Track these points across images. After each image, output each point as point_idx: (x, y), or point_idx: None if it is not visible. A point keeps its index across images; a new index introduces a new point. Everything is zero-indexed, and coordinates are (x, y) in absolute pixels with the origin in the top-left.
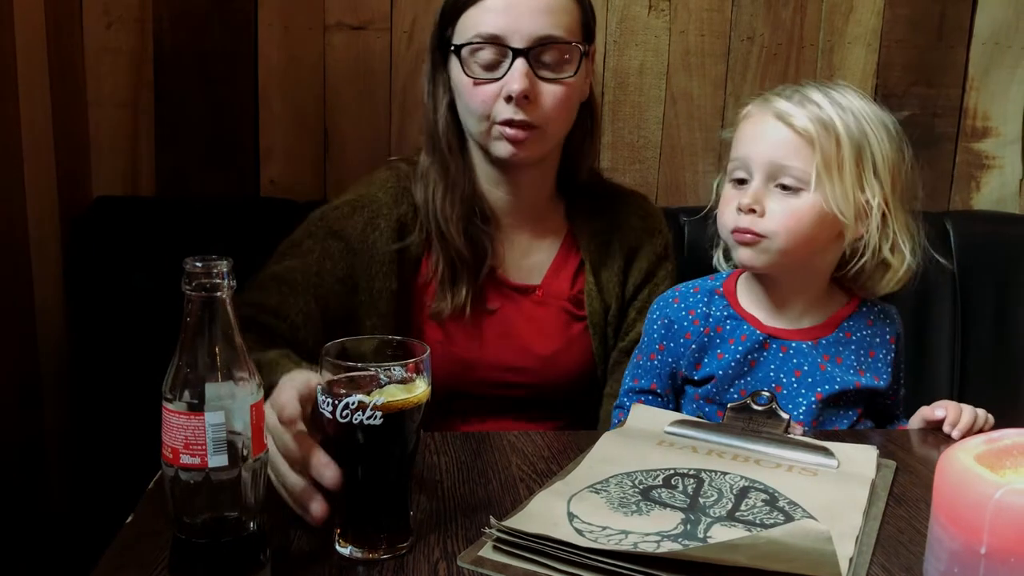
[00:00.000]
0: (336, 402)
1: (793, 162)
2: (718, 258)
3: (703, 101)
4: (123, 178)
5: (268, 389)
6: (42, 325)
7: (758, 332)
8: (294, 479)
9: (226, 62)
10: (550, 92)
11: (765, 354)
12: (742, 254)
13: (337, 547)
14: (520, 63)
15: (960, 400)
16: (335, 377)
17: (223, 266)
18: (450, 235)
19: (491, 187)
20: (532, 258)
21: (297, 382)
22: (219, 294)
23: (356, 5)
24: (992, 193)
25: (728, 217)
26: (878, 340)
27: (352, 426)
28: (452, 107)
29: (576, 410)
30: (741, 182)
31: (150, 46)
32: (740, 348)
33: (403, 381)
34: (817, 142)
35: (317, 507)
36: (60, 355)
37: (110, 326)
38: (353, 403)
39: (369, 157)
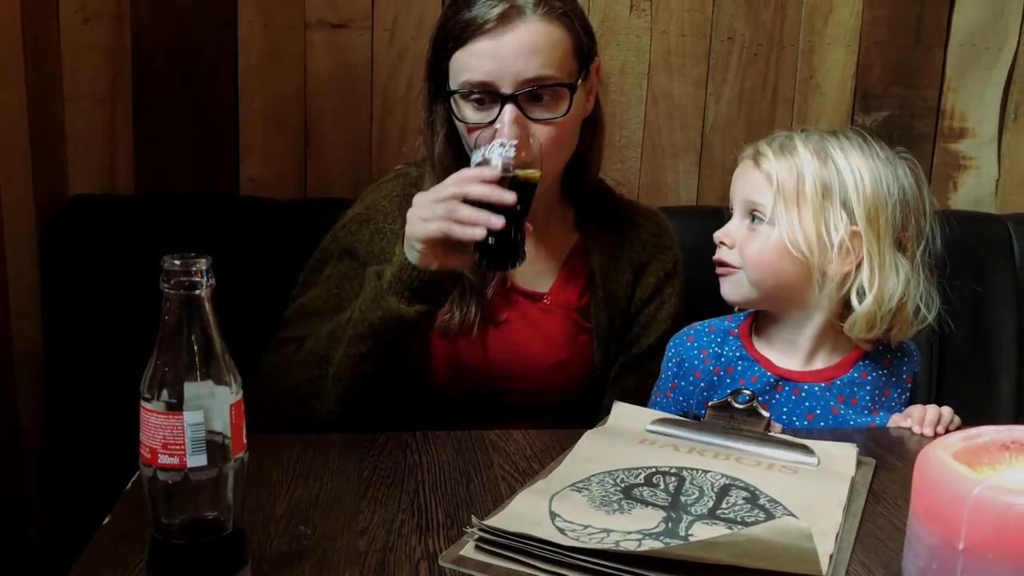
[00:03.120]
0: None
1: (759, 198)
2: None
3: (684, 101)
4: (100, 176)
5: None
6: (18, 324)
7: (769, 374)
8: (469, 210)
9: (206, 59)
10: (542, 132)
11: (777, 396)
12: (721, 286)
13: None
14: (509, 109)
15: (937, 398)
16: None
17: (202, 264)
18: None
19: None
20: (539, 265)
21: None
22: (198, 292)
23: (337, 3)
24: (969, 193)
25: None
26: (894, 379)
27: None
28: (449, 137)
29: (573, 417)
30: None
31: (128, 42)
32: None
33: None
34: (776, 179)
35: (499, 220)
36: (36, 354)
37: (87, 325)
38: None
39: (350, 155)
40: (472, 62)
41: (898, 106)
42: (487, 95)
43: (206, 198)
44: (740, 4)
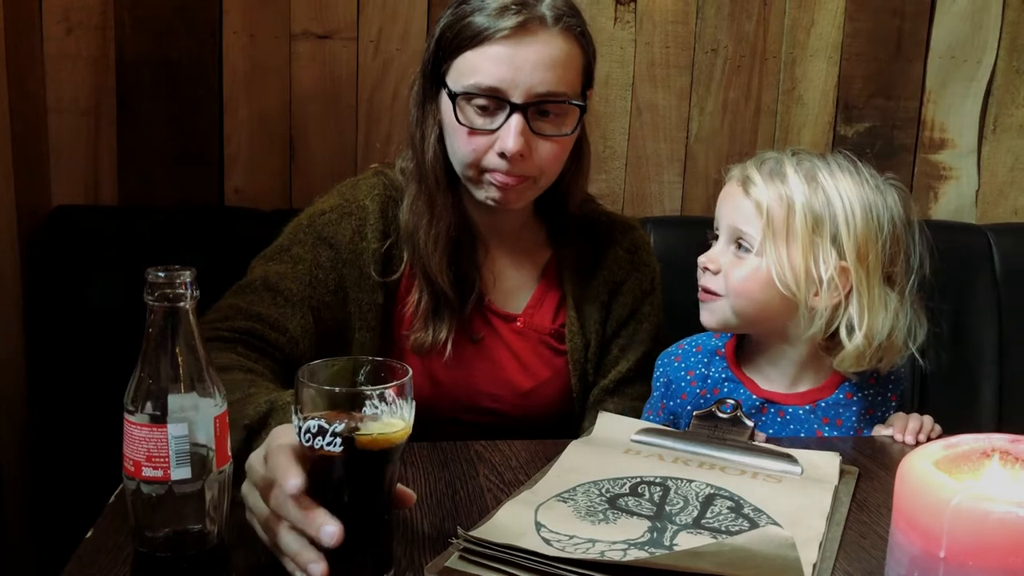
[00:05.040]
0: (300, 425)
1: (746, 227)
2: None
3: (668, 112)
4: (84, 187)
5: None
6: (0, 336)
7: (755, 397)
8: (290, 541)
9: (190, 70)
10: (545, 147)
11: (763, 419)
12: (700, 312)
13: None
14: (517, 120)
15: (920, 406)
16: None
17: (186, 276)
18: (433, 274)
19: (474, 208)
20: (512, 282)
21: (290, 443)
22: (182, 304)
23: (322, 14)
24: (949, 203)
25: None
26: (879, 399)
27: (313, 451)
28: (441, 140)
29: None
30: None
31: (112, 53)
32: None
33: (382, 418)
34: (766, 209)
35: (319, 568)
36: (18, 365)
37: (70, 336)
38: (314, 427)
39: (335, 166)
40: (484, 65)
41: (879, 117)
42: (494, 101)
43: (190, 209)
44: (723, 16)
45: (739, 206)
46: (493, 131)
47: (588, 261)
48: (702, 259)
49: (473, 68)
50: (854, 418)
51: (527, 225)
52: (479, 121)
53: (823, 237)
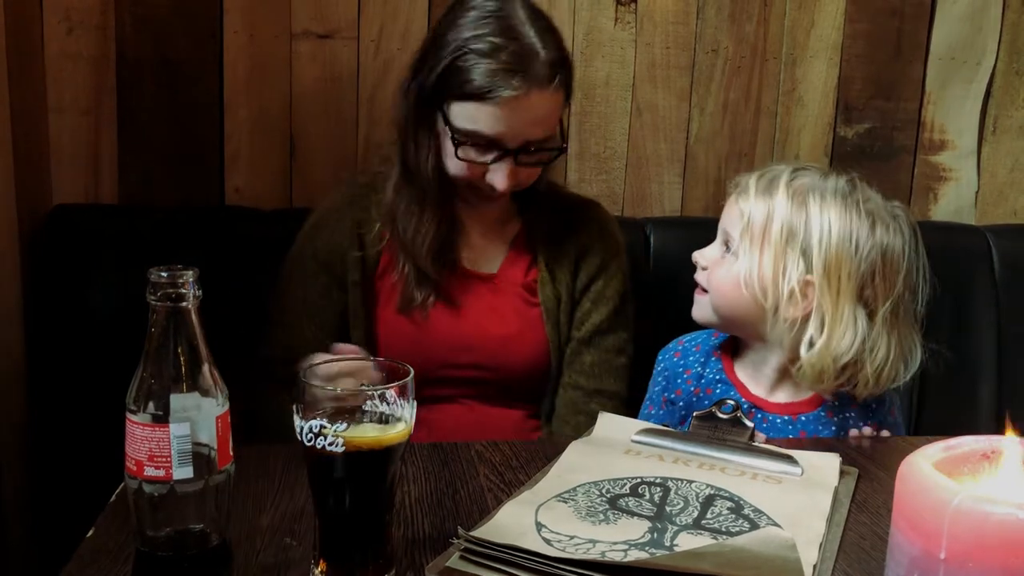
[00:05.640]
0: (301, 424)
1: (732, 230)
2: None
3: (668, 113)
4: (84, 186)
5: None
6: (0, 334)
7: (743, 400)
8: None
9: (191, 69)
10: (529, 171)
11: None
12: (693, 305)
13: None
14: (508, 162)
15: (918, 407)
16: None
17: (189, 276)
18: (420, 256)
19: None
20: (488, 249)
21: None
22: (184, 304)
23: (323, 13)
24: (949, 204)
25: None
26: (862, 423)
27: (315, 451)
28: (435, 152)
29: (534, 398)
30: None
31: (112, 52)
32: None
33: (382, 418)
34: (748, 215)
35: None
36: (19, 365)
37: (70, 336)
38: (316, 427)
39: (336, 166)
40: (487, 118)
41: (879, 118)
42: (488, 141)
43: (191, 208)
44: (724, 17)
45: (730, 211)
46: (486, 163)
47: (557, 230)
48: (695, 255)
49: (474, 116)
50: (833, 439)
51: (498, 209)
52: (472, 153)
53: (794, 249)
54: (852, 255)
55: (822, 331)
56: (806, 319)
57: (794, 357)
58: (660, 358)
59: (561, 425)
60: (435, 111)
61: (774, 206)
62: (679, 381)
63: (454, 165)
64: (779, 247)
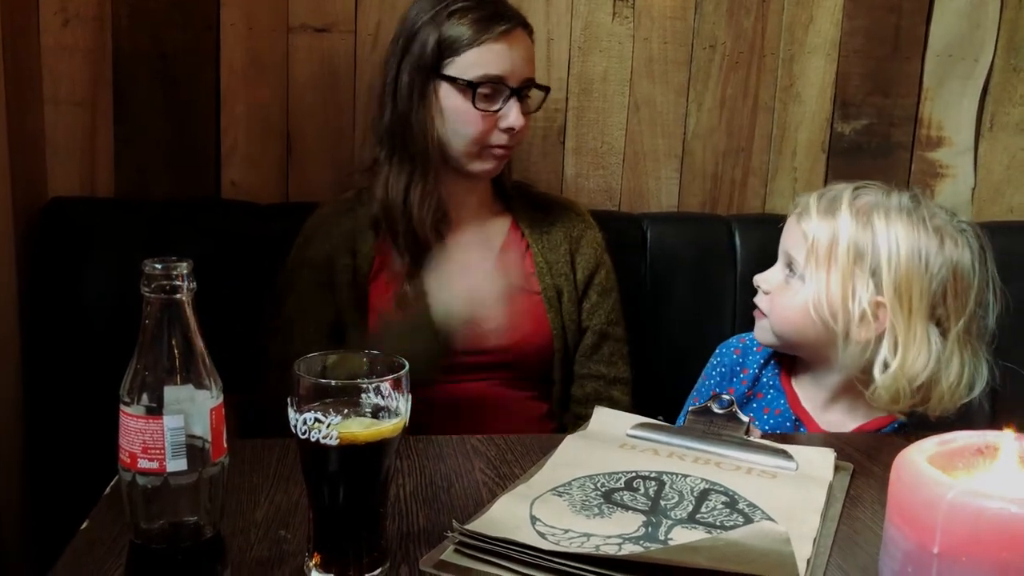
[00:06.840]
0: (296, 417)
1: (795, 253)
2: None
3: (666, 108)
4: (80, 178)
5: None
6: None
7: (791, 411)
8: None
9: (187, 62)
10: (526, 122)
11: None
12: (755, 328)
13: (305, 570)
14: (516, 102)
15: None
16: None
17: (183, 268)
18: (423, 234)
19: (451, 183)
20: (484, 237)
21: None
22: (179, 296)
23: (320, 7)
24: (946, 201)
25: None
26: None
27: (310, 443)
28: (436, 133)
29: (541, 379)
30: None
31: (108, 44)
32: (770, 423)
33: (377, 411)
34: (812, 237)
35: None
36: (13, 357)
37: (65, 328)
38: (310, 420)
39: (332, 159)
40: (486, 58)
41: (876, 115)
42: (494, 87)
43: (187, 201)
44: (722, 12)
45: (792, 232)
46: (495, 112)
47: (543, 221)
48: (757, 278)
49: (476, 62)
50: None
51: (484, 202)
52: (485, 103)
53: (863, 269)
54: (922, 273)
55: (896, 353)
56: (878, 340)
57: (866, 379)
58: (718, 352)
59: (585, 414)
60: (430, 87)
61: (839, 226)
62: (735, 380)
63: (471, 126)
64: (847, 268)
